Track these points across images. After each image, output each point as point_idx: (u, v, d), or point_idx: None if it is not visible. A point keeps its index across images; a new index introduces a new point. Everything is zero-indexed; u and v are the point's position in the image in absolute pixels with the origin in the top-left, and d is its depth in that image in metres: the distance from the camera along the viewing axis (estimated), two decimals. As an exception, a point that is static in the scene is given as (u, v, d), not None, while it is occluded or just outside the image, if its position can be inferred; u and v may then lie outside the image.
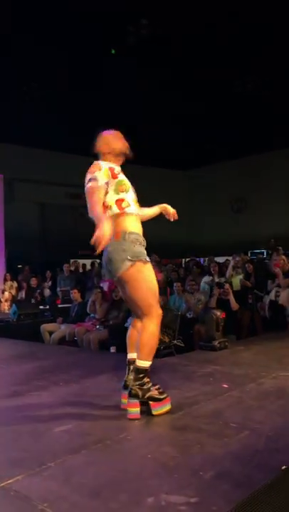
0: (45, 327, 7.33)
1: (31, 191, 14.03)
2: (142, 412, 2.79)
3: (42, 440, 2.53)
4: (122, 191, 2.91)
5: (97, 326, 6.63)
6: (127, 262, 2.80)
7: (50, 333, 7.15)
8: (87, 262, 12.26)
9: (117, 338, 6.08)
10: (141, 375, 2.83)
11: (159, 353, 5.26)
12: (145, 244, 2.94)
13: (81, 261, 12.36)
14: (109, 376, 3.88)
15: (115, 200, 2.89)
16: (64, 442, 2.46)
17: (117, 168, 2.97)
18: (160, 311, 2.92)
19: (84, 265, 12.27)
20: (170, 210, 3.37)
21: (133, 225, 2.91)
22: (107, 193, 2.87)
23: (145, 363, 2.84)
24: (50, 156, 13.95)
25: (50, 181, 14.13)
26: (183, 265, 11.93)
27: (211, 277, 7.89)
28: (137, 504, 1.80)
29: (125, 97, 10.10)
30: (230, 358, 4.64)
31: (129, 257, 2.80)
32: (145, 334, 2.86)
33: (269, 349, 5.00)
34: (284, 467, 2.04)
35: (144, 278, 2.86)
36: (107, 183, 2.85)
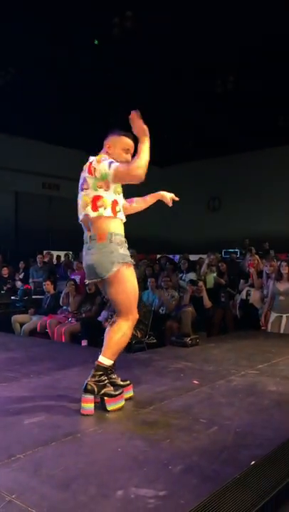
0: (16, 318, 7.25)
1: (6, 179, 13.80)
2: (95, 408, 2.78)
3: (11, 432, 2.51)
4: (118, 193, 2.93)
5: (69, 319, 6.59)
6: (115, 265, 2.80)
7: (21, 324, 7.07)
8: (61, 253, 12.15)
9: (89, 331, 6.07)
10: (100, 373, 2.82)
11: (131, 348, 5.29)
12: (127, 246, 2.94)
13: (55, 252, 12.23)
14: (80, 369, 3.86)
15: (112, 201, 2.86)
16: (34, 434, 2.45)
17: None
18: (136, 316, 2.94)
19: (58, 257, 12.14)
20: (168, 197, 3.37)
21: (118, 228, 2.90)
22: (108, 188, 2.85)
23: (108, 362, 2.85)
24: (28, 145, 13.74)
25: (26, 170, 13.94)
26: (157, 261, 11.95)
27: (181, 274, 7.94)
28: (106, 497, 1.81)
29: (104, 90, 10.03)
30: (201, 354, 4.69)
31: (116, 260, 2.80)
32: (118, 333, 2.86)
33: (239, 347, 5.08)
34: (253, 462, 2.09)
35: (128, 281, 2.87)
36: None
